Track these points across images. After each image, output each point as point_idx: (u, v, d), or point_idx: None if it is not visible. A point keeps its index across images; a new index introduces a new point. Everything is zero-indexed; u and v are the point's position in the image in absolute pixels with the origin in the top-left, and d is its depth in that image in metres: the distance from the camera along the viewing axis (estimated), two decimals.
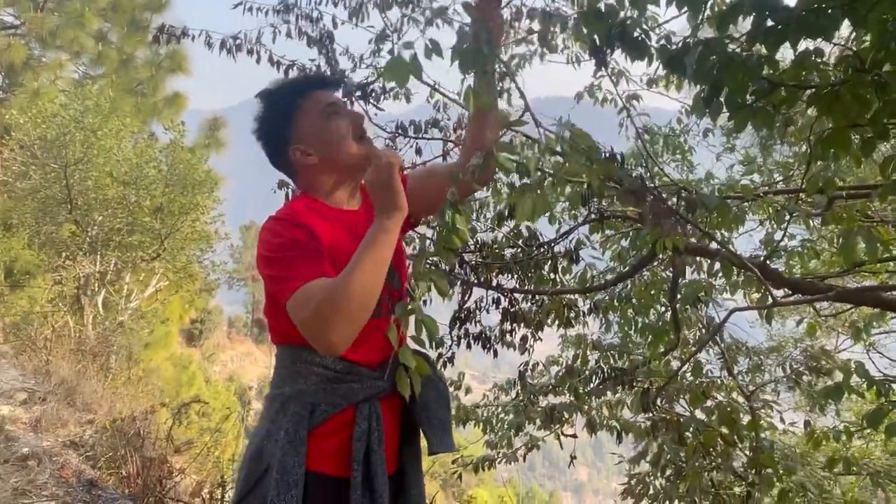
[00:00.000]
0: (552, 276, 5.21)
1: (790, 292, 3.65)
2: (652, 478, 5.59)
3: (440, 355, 6.51)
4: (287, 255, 1.75)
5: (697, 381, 5.61)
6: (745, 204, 4.38)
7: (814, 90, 2.42)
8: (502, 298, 5.49)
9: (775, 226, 3.69)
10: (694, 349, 4.30)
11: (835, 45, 2.50)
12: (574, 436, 5.34)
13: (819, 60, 2.61)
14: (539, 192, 1.78)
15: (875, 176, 4.14)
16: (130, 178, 13.17)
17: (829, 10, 2.41)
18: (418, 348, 2.21)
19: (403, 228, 2.02)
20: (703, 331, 6.18)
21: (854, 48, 2.46)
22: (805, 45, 2.55)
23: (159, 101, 16.76)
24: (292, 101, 2.00)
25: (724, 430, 4.88)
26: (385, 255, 1.71)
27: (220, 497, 5.31)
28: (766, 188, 5.07)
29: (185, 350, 26.17)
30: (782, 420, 5.75)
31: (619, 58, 3.62)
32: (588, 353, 5.79)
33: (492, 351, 6.12)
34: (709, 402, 5.37)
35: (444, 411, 2.04)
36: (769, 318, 5.87)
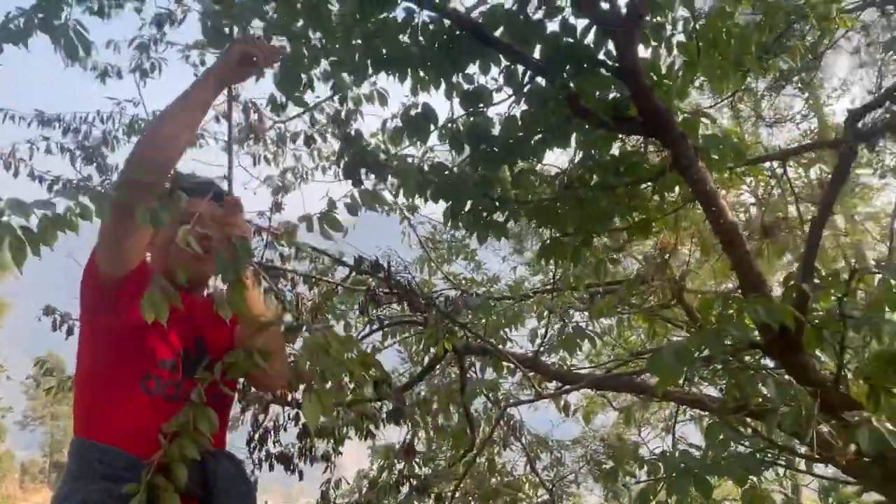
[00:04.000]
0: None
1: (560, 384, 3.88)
2: None
3: None
4: None
5: (502, 479, 5.72)
6: (524, 302, 4.69)
7: (532, 204, 2.68)
8: (300, 413, 5.26)
9: (545, 322, 3.94)
10: (473, 451, 4.36)
11: (545, 165, 2.79)
12: None
13: (542, 176, 2.91)
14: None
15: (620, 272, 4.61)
16: None
17: (538, 136, 2.72)
18: (225, 449, 2.04)
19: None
20: (505, 428, 6.37)
21: (560, 168, 2.77)
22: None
23: None
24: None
25: None
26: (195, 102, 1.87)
27: None
28: (550, 286, 5.36)
29: None
30: None
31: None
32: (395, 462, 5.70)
33: (296, 472, 5.83)
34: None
35: None
36: (566, 411, 6.12)
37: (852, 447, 2.33)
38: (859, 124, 2.28)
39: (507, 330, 4.54)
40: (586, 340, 3.15)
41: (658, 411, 6.56)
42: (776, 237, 2.97)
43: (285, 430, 5.36)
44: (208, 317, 2.05)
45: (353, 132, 3.02)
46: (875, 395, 2.50)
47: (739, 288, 2.55)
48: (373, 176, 2.84)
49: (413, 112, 2.68)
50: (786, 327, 2.46)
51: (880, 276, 2.44)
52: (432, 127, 2.66)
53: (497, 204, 2.67)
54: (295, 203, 4.70)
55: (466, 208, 2.77)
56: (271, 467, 5.70)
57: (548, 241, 2.73)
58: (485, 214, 2.74)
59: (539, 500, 5.78)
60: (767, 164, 3.77)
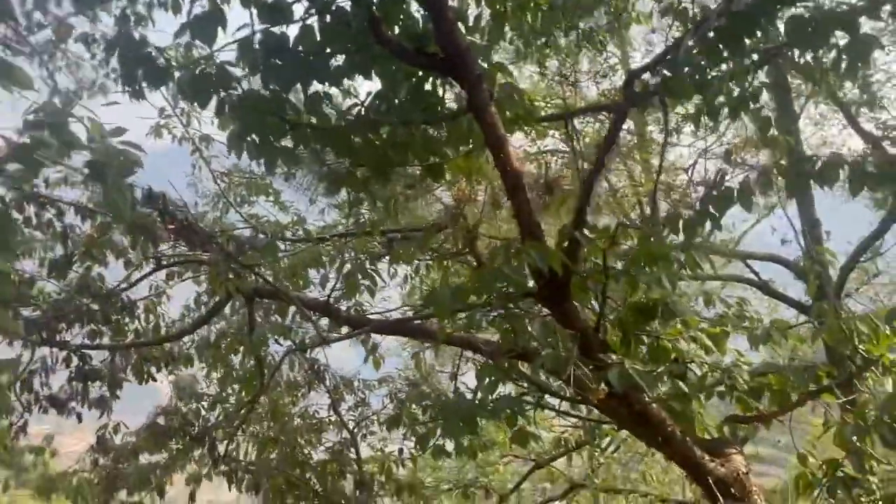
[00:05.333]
0: (132, 326, 4.73)
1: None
2: None
3: (11, 425, 5.53)
4: None
5: (296, 422, 5.69)
6: (322, 246, 4.55)
7: (326, 131, 2.55)
8: (73, 356, 4.78)
9: (338, 266, 3.85)
10: (261, 395, 4.23)
11: (343, 90, 2.66)
12: None
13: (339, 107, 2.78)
14: None
15: (423, 219, 4.61)
16: None
17: (339, 61, 2.58)
18: None
19: None
20: (309, 372, 6.30)
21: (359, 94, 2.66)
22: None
23: None
24: None
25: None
26: None
27: None
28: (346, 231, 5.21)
29: None
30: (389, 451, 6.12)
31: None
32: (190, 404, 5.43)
33: (74, 414, 5.36)
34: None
35: None
36: (373, 352, 6.10)
37: (603, 386, 2.53)
38: (634, 87, 2.40)
39: (305, 273, 4.41)
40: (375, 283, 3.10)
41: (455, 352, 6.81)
42: (556, 193, 3.13)
43: (54, 371, 4.84)
44: None
45: (132, 34, 2.66)
46: (627, 341, 2.73)
47: (520, 236, 2.63)
48: (149, 82, 2.54)
49: (200, 11, 2.42)
50: (555, 276, 2.59)
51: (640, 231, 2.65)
52: (221, 31, 2.42)
53: (288, 127, 2.50)
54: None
55: (255, 132, 2.57)
56: (44, 410, 5.20)
57: (341, 172, 2.62)
58: (274, 139, 2.56)
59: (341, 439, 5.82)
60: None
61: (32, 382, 5.04)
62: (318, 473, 5.31)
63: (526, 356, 2.91)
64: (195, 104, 2.76)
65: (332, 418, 6.07)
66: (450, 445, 3.72)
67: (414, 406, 4.14)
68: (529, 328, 2.52)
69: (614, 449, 8.74)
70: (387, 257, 4.44)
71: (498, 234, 3.92)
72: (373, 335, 5.54)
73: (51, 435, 6.05)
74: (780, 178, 2.69)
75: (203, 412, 4.90)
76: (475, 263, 3.65)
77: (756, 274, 8.05)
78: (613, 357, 2.58)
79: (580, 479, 8.39)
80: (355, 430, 5.97)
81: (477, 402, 2.60)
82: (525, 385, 3.17)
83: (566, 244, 2.52)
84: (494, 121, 2.48)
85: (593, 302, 3.01)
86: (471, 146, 2.85)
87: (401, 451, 5.86)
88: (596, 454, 8.45)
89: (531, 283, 2.66)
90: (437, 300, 2.17)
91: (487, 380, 2.52)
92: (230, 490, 4.51)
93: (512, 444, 3.14)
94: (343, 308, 4.43)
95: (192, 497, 5.09)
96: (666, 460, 3.04)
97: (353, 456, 5.60)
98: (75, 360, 4.78)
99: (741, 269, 8.87)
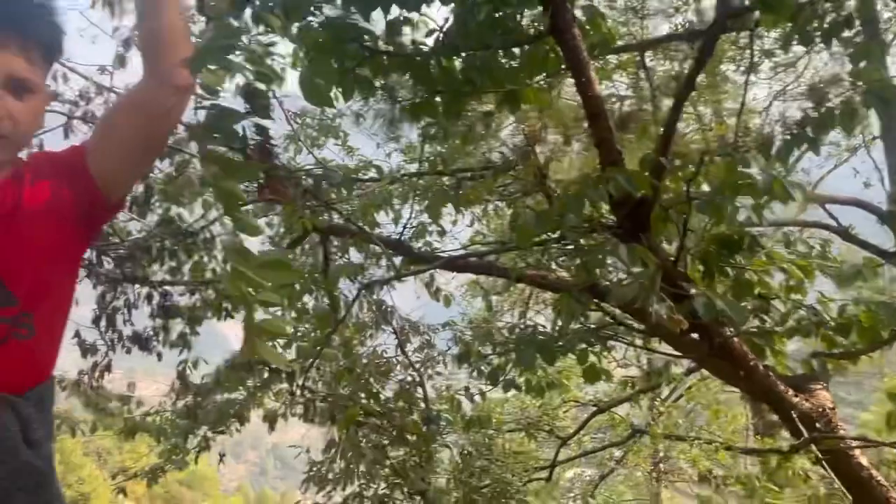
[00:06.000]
0: (210, 265, 4.90)
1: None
2: (329, 462, 5.63)
3: (95, 364, 5.82)
4: None
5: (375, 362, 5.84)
6: (393, 186, 4.58)
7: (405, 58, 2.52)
8: (154, 293, 5.00)
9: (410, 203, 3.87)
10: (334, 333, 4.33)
11: (422, 16, 2.61)
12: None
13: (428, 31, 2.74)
14: None
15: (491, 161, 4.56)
16: None
17: None
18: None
19: (99, 217, 1.56)
20: (377, 312, 6.43)
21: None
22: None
23: None
24: None
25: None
26: None
27: None
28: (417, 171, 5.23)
29: None
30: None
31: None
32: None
33: (154, 353, 5.60)
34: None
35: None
36: (437, 295, 6.16)
37: (684, 320, 2.48)
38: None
39: (375, 213, 4.45)
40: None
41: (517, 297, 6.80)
42: (630, 129, 3.04)
43: (136, 307, 5.08)
44: None
45: None
46: (709, 274, 2.66)
47: (600, 164, 2.57)
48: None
49: None
50: (637, 206, 2.53)
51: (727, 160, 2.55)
52: None
53: (367, 55, 2.47)
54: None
55: (335, 58, 2.55)
56: (127, 349, 5.46)
57: (419, 100, 2.60)
58: (351, 68, 2.54)
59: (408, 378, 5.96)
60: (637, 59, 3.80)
61: (115, 320, 5.29)
62: (387, 409, 5.47)
63: (599, 293, 2.88)
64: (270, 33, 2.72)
65: (399, 358, 6.23)
66: (519, 381, 3.78)
67: (480, 347, 4.18)
68: (609, 259, 2.48)
69: (676, 398, 8.66)
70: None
71: (569, 175, 3.85)
72: (438, 279, 5.60)
73: (133, 383, 6.44)
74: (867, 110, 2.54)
75: (279, 349, 5.08)
76: (547, 204, 3.60)
77: (836, 220, 7.70)
78: (694, 290, 2.52)
79: (642, 426, 8.36)
80: (421, 370, 6.12)
81: (556, 332, 2.59)
82: (597, 319, 3.15)
83: (650, 169, 2.45)
84: (577, 43, 2.40)
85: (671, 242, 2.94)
86: (546, 74, 2.77)
87: (467, 388, 5.97)
88: (657, 402, 8.39)
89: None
90: (520, 224, 2.15)
91: (566, 306, 2.51)
92: (307, 418, 4.68)
93: (584, 380, 3.14)
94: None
95: (271, 425, 5.33)
96: (743, 396, 2.99)
97: (419, 395, 5.74)
98: (156, 298, 5.02)
99: (820, 216, 8.49)
